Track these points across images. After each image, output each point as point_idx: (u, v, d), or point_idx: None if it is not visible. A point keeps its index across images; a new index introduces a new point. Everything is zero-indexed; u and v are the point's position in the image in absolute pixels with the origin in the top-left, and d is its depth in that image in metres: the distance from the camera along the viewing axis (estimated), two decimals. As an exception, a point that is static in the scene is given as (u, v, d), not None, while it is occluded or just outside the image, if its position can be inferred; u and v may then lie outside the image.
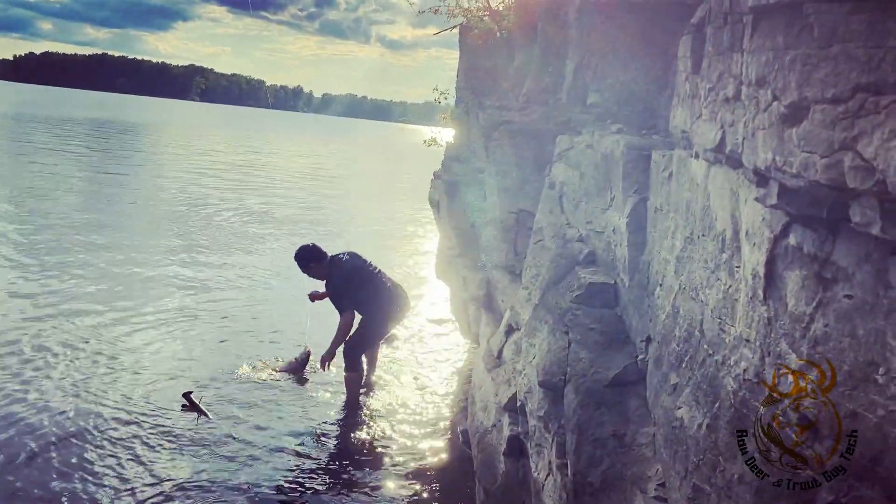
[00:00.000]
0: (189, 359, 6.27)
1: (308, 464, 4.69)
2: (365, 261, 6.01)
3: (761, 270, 1.77)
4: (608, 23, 4.63)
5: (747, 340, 1.84)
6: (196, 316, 7.53)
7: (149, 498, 4.06)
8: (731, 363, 1.91)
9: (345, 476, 4.58)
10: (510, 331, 4.58)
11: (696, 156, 2.39)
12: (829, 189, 1.41)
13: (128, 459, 4.44)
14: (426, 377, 6.42)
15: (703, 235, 2.28)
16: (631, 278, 3.21)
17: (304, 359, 6.17)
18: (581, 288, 3.50)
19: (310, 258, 5.88)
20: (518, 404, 3.78)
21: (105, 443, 4.62)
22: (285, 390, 5.80)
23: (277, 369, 6.15)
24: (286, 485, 4.38)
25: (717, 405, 1.97)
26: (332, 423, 5.36)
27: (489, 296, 6.12)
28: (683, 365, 2.30)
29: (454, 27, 8.17)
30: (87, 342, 6.34)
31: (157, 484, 4.19)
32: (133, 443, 4.65)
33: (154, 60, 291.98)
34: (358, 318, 5.84)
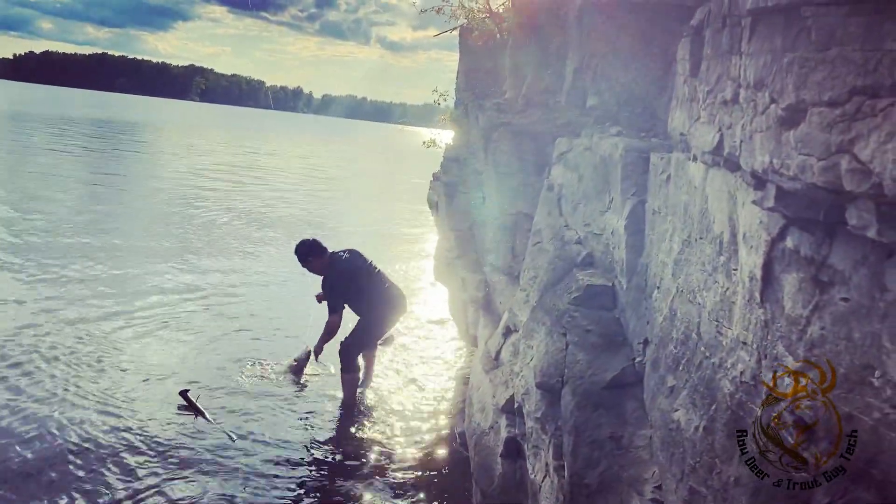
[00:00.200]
0: (189, 360, 6.26)
1: (302, 465, 4.68)
2: (365, 260, 6.00)
3: (758, 273, 1.77)
4: (609, 23, 4.62)
5: (744, 343, 1.84)
6: (195, 317, 7.52)
7: None
8: (728, 366, 1.91)
9: (340, 477, 4.57)
10: (508, 332, 4.57)
11: (695, 158, 2.39)
12: (826, 192, 1.41)
13: (122, 468, 4.34)
14: (424, 378, 6.41)
15: (701, 238, 2.28)
16: (629, 280, 3.21)
17: (305, 358, 6.16)
18: (579, 290, 3.51)
19: (309, 252, 5.87)
20: (515, 406, 3.78)
21: (99, 451, 4.50)
22: (284, 391, 5.80)
23: (277, 370, 6.15)
24: (280, 488, 4.36)
25: (713, 407, 1.97)
26: (327, 424, 5.35)
27: (488, 297, 6.12)
28: (680, 367, 2.30)
29: (454, 28, 8.16)
30: (82, 344, 6.31)
31: (152, 496, 4.12)
32: (126, 451, 4.54)
33: (154, 60, 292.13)
34: (355, 318, 5.84)
